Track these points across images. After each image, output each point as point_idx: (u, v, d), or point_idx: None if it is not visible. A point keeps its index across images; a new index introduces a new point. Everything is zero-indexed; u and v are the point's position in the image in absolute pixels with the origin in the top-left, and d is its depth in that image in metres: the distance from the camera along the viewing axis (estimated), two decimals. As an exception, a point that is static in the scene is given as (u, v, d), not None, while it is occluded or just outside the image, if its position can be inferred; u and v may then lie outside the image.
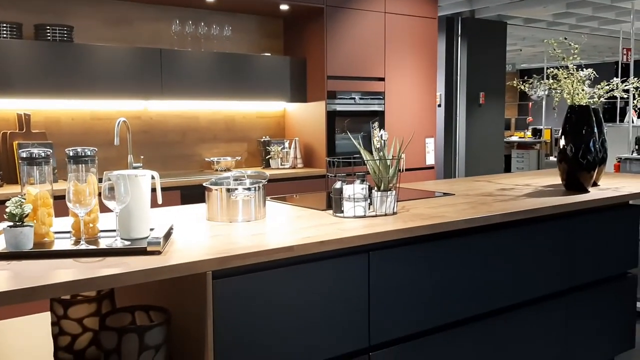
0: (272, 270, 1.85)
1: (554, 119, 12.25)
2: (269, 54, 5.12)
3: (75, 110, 4.34)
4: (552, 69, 3.08)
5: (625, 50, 8.18)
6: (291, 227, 2.19)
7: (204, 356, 1.74)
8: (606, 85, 3.03)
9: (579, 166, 2.94)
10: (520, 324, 2.66)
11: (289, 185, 4.67)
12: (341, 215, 2.32)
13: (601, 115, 3.16)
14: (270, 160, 5.03)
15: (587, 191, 2.97)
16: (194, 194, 3.76)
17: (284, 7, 4.88)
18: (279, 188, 4.37)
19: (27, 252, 1.72)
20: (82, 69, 4.03)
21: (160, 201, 2.02)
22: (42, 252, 1.74)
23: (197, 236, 2.03)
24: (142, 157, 4.33)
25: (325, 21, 4.95)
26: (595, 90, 3.03)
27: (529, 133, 13.67)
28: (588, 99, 2.98)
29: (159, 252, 1.73)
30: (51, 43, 3.97)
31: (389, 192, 2.35)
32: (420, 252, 2.25)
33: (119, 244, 1.77)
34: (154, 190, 1.97)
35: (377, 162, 2.36)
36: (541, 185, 3.25)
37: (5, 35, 3.85)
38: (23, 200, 1.77)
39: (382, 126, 5.21)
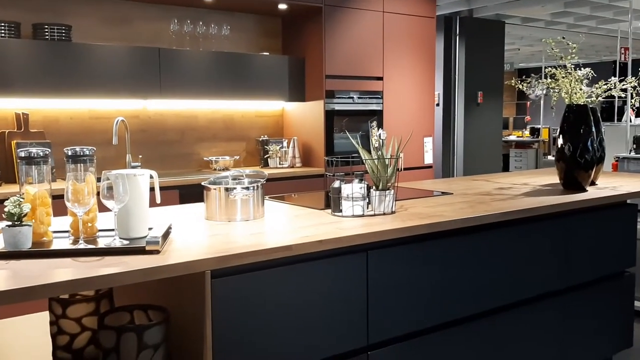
0: (270, 270, 1.85)
1: (552, 118, 12.26)
2: (268, 53, 5.12)
3: (73, 109, 4.34)
4: (550, 68, 3.08)
5: (623, 49, 8.19)
6: (290, 226, 2.19)
7: (203, 355, 1.74)
8: (604, 85, 3.03)
9: (577, 165, 2.94)
10: (518, 322, 2.66)
11: (288, 184, 4.67)
12: (339, 214, 2.32)
13: (599, 115, 3.16)
14: (269, 159, 5.03)
15: (585, 190, 2.98)
16: (192, 193, 3.75)
17: (282, 6, 4.88)
18: (278, 187, 4.37)
19: (26, 251, 1.72)
20: (81, 69, 4.03)
21: (158, 200, 2.02)
22: (40, 251, 1.74)
23: (196, 235, 2.03)
24: (140, 156, 4.33)
25: (323, 20, 4.95)
26: (593, 90, 3.04)
27: (527, 132, 13.69)
28: (586, 98, 2.99)
29: (157, 252, 1.73)
30: (49, 42, 3.97)
31: (387, 192, 2.36)
32: (418, 251, 2.25)
33: (117, 243, 1.77)
34: (152, 189, 1.97)
35: (376, 161, 2.36)
36: (539, 184, 3.26)
37: (3, 35, 3.85)
38: (21, 200, 1.77)
39: (380, 125, 5.20)
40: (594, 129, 2.97)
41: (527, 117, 14.91)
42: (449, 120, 8.29)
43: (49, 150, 1.97)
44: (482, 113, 8.40)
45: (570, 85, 2.98)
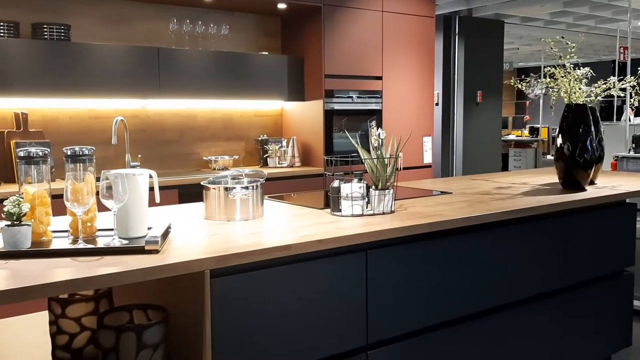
0: (270, 269, 1.85)
1: (551, 117, 12.26)
2: (267, 53, 5.12)
3: (72, 109, 4.34)
4: (549, 68, 3.09)
5: (622, 48, 8.20)
6: (289, 225, 2.19)
7: (202, 355, 1.74)
8: (603, 84, 3.04)
9: (576, 164, 2.94)
10: (518, 321, 2.66)
11: (287, 184, 4.67)
12: (339, 214, 2.32)
13: (598, 114, 3.16)
14: (268, 159, 5.03)
15: (584, 189, 2.98)
16: (191, 193, 3.75)
17: (281, 5, 4.88)
18: (277, 187, 4.37)
19: (25, 251, 1.72)
20: (80, 68, 4.03)
21: (158, 200, 2.02)
22: (39, 251, 1.74)
23: (195, 235, 2.03)
24: (139, 155, 4.33)
25: (323, 20, 4.95)
26: (592, 89, 3.04)
27: (526, 132, 13.69)
28: (585, 97, 2.99)
29: (156, 251, 1.73)
30: (48, 42, 3.96)
31: (386, 191, 2.36)
32: (417, 251, 2.25)
33: (116, 242, 1.77)
34: (151, 189, 1.97)
35: (375, 160, 2.36)
36: (538, 183, 3.26)
37: (2, 34, 3.84)
38: (21, 199, 1.77)
39: (379, 125, 5.21)
40: (593, 129, 2.97)
41: (526, 117, 14.92)
42: (448, 120, 8.29)
43: (48, 149, 1.97)
44: (481, 112, 8.40)
45: (570, 85, 2.98)
